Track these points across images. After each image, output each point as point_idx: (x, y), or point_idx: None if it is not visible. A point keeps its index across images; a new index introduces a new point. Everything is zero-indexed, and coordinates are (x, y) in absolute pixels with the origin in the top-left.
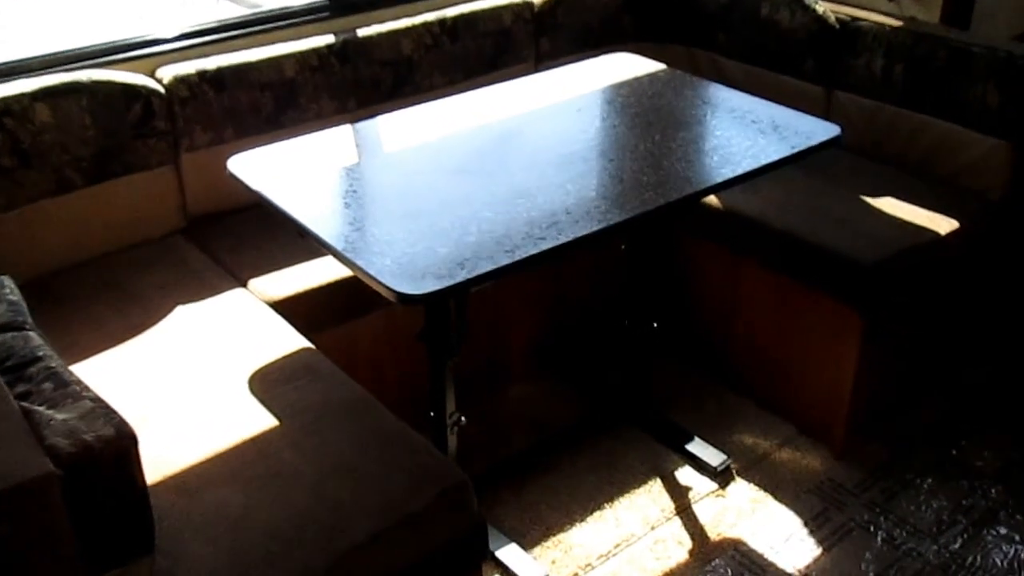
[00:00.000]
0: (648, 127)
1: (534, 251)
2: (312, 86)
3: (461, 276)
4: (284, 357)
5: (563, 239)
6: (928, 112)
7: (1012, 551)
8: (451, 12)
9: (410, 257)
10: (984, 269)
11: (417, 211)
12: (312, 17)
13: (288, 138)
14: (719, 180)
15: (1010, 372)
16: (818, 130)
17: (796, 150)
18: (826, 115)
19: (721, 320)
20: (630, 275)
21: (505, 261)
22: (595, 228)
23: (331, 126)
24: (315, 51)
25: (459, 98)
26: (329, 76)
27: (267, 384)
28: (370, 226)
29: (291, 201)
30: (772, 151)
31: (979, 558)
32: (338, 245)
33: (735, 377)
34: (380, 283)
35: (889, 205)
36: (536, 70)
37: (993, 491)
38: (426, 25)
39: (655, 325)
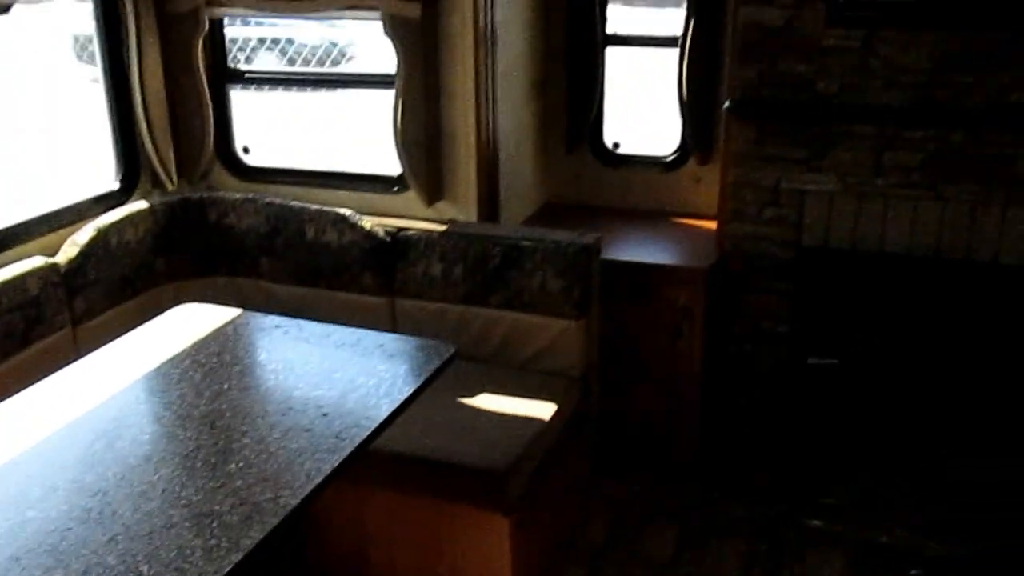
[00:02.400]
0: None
1: None
2: None
3: None
4: None
5: None
6: (495, 306)
7: None
8: None
9: None
10: (586, 439)
11: None
12: None
13: None
14: (349, 451)
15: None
16: (431, 353)
17: (419, 383)
18: (393, 325)
19: (356, 560)
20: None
21: None
22: None
23: None
24: None
25: None
26: None
27: None
28: None
29: None
30: (397, 390)
31: None
32: None
33: None
34: None
35: (492, 402)
36: (75, 336)
37: None
38: None
39: None
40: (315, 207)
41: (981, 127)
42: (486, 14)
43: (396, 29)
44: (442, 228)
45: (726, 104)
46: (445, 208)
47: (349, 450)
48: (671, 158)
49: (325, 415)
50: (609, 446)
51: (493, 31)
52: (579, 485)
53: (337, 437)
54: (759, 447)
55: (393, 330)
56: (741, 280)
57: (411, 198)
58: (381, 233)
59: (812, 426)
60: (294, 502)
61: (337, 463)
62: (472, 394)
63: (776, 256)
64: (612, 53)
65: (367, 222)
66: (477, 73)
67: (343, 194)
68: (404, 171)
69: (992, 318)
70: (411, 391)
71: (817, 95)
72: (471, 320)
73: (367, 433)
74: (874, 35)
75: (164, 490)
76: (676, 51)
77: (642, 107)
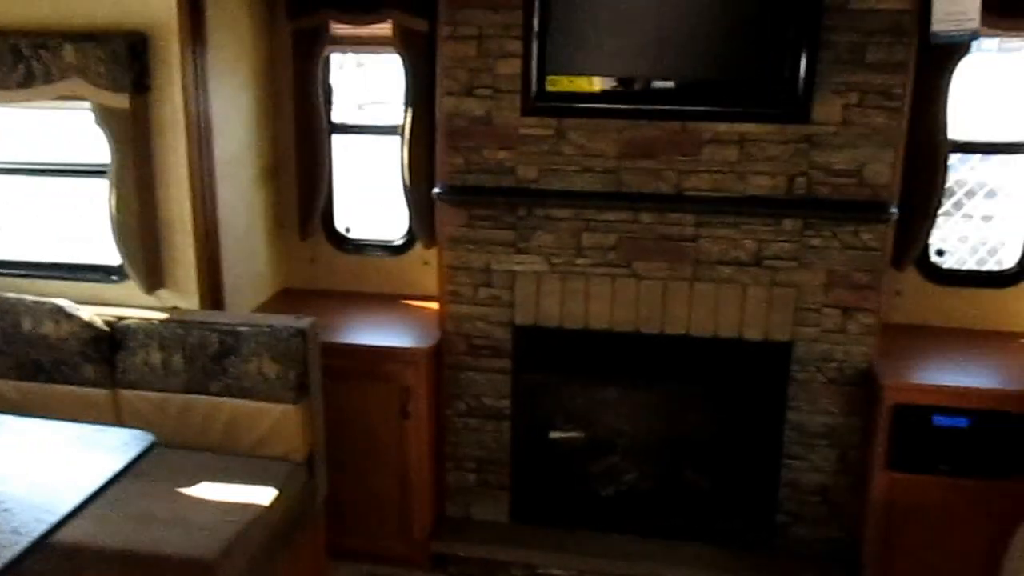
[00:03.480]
0: None
1: None
2: None
3: None
4: None
5: None
6: (216, 393)
7: None
8: None
9: None
10: (314, 523)
11: None
12: None
13: None
14: (25, 545)
15: None
16: (129, 441)
17: (112, 474)
18: (116, 417)
19: None
20: None
21: None
22: None
23: None
24: None
25: None
26: None
27: None
28: None
29: None
30: (87, 483)
31: None
32: None
33: None
34: None
35: (209, 491)
36: None
37: None
38: None
39: None
40: (31, 298)
41: (666, 209)
42: (199, 103)
43: (106, 119)
44: (162, 317)
45: (436, 190)
46: (167, 296)
47: (25, 544)
48: (399, 242)
49: (6, 510)
50: (343, 529)
51: (208, 119)
52: (311, 569)
53: (14, 532)
54: (495, 522)
55: (117, 422)
56: (463, 359)
57: (131, 287)
58: (99, 323)
59: (550, 494)
60: None
61: (10, 558)
62: (192, 484)
63: (493, 335)
64: (342, 141)
65: (85, 312)
66: (191, 161)
67: (63, 284)
68: (122, 260)
69: (690, 386)
70: (102, 483)
71: (518, 181)
72: (193, 409)
73: (47, 527)
74: (565, 125)
75: None
76: (398, 139)
77: (374, 193)
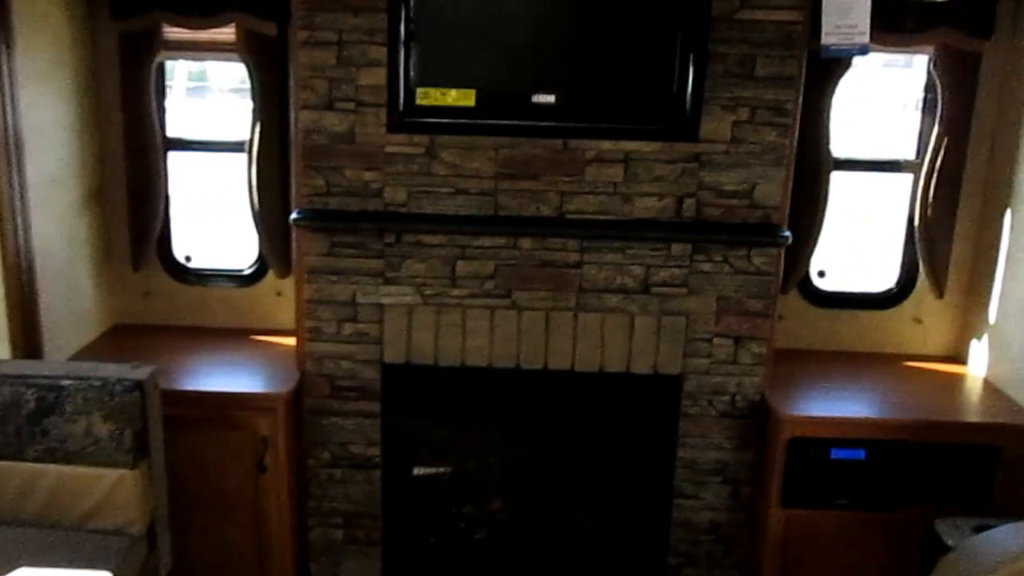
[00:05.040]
0: None
1: None
2: None
3: None
4: None
5: None
6: (35, 459)
7: None
8: None
9: None
10: None
11: None
12: None
13: None
14: None
15: None
16: None
17: None
18: None
19: None
20: None
21: None
22: None
23: None
24: None
25: None
26: None
27: None
28: None
29: None
30: None
31: None
32: None
33: None
34: None
35: None
36: None
37: None
38: None
39: None
40: None
41: (547, 234)
42: (6, 116)
43: None
44: None
45: (294, 215)
46: None
47: None
48: (249, 272)
49: None
50: None
51: (18, 135)
52: None
53: None
54: None
55: None
56: (326, 403)
57: None
58: None
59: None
60: None
61: None
62: (6, 568)
63: (360, 375)
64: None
65: None
66: None
67: None
68: None
69: (577, 425)
70: None
71: (386, 204)
72: (7, 478)
73: None
74: (437, 142)
75: None
76: (244, 156)
77: (218, 217)
